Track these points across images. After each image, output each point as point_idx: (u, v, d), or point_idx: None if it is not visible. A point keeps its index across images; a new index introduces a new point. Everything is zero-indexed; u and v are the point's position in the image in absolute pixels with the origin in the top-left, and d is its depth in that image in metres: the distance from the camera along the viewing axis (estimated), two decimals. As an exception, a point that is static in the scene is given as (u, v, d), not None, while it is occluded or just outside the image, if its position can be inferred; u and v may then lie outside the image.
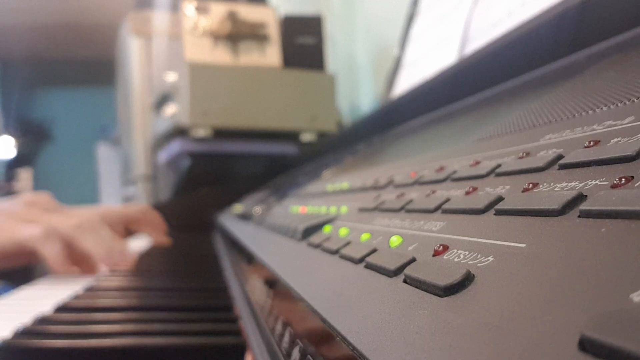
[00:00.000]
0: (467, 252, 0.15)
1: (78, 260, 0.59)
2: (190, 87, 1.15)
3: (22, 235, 0.55)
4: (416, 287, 0.15)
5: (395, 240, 0.20)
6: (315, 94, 1.26)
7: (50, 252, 0.55)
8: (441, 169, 0.27)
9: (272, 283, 0.29)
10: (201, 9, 1.23)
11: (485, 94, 0.45)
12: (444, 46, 0.68)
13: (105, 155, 4.15)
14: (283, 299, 0.25)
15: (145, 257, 0.74)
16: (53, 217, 0.60)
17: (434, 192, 0.24)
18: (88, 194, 4.18)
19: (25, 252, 0.56)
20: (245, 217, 0.69)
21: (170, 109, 1.32)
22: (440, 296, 0.13)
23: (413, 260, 0.17)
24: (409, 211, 0.23)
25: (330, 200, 0.41)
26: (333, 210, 0.35)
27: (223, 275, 0.54)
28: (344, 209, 0.33)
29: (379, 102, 1.00)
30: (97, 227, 0.60)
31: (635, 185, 0.12)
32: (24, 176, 4.30)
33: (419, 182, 0.27)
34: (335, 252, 0.24)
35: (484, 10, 0.59)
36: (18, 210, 0.60)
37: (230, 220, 0.84)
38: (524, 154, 0.20)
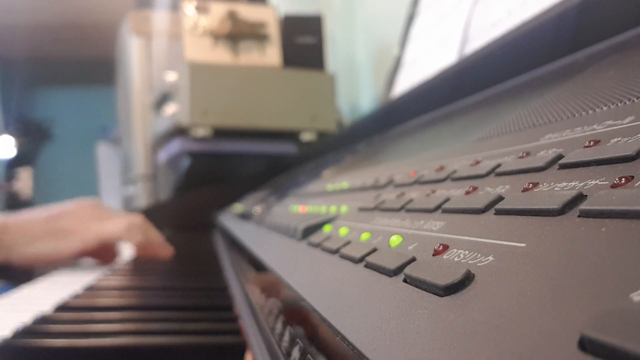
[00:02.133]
0: (467, 252, 0.15)
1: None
2: (190, 86, 1.15)
3: (108, 231, 0.66)
4: (416, 286, 0.15)
5: (395, 240, 0.20)
6: (315, 94, 1.26)
7: (137, 241, 0.68)
8: (441, 168, 0.27)
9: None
10: (201, 9, 1.23)
11: (485, 94, 0.45)
12: (444, 46, 0.68)
13: (105, 155, 4.14)
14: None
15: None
16: (125, 216, 0.72)
17: (434, 191, 0.24)
18: (88, 193, 4.16)
19: (105, 247, 0.68)
20: (245, 216, 0.69)
21: (170, 109, 1.32)
22: (440, 296, 0.13)
23: (413, 259, 0.17)
24: (409, 211, 0.23)
25: (330, 199, 0.41)
26: (333, 209, 0.35)
27: (223, 275, 0.54)
28: (344, 208, 0.33)
29: (379, 101, 1.00)
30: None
31: (635, 185, 0.12)
32: (24, 176, 4.30)
33: (419, 182, 0.27)
34: (335, 252, 0.24)
35: (484, 10, 0.59)
36: (89, 210, 0.70)
37: (230, 219, 0.84)
38: (524, 154, 0.20)
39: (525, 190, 0.16)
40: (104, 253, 0.70)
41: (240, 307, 0.37)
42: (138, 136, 1.96)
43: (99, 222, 0.67)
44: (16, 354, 0.29)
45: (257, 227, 0.53)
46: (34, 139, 4.53)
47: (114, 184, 3.52)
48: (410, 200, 0.24)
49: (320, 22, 1.32)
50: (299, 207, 0.45)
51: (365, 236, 0.23)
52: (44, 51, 4.22)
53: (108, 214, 0.71)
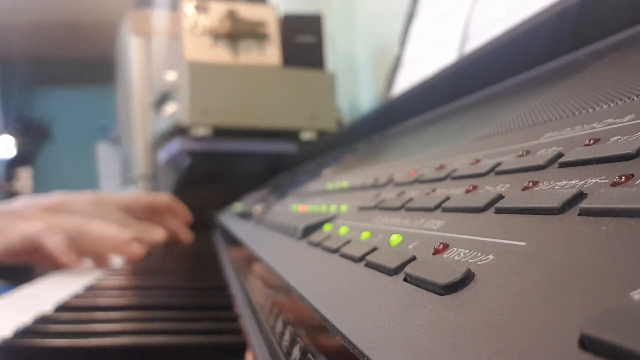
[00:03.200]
0: (467, 251, 0.15)
1: (87, 252, 0.61)
2: (190, 86, 1.15)
3: (27, 231, 0.58)
4: (416, 285, 0.15)
5: (395, 239, 0.20)
6: (315, 93, 1.26)
7: (53, 244, 0.58)
8: (441, 167, 0.27)
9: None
10: (201, 8, 1.23)
11: (485, 92, 0.45)
12: (443, 44, 0.67)
13: (105, 155, 4.14)
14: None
15: (146, 256, 0.74)
16: (58, 215, 0.63)
17: (434, 190, 0.24)
18: (88, 193, 4.17)
19: (31, 249, 0.59)
20: (245, 215, 0.69)
21: (170, 108, 1.32)
22: (441, 294, 0.13)
23: (413, 258, 0.17)
24: (409, 209, 0.23)
25: (330, 198, 0.41)
26: (333, 208, 0.35)
27: (223, 274, 0.54)
28: (344, 207, 0.33)
29: (379, 100, 1.00)
30: (105, 213, 0.64)
31: (636, 183, 0.12)
32: (24, 175, 4.30)
33: (419, 181, 0.27)
34: (335, 251, 0.24)
35: (483, 9, 0.59)
36: (20, 210, 0.62)
37: (230, 219, 0.84)
38: (524, 152, 0.20)
39: (525, 188, 0.16)
40: (40, 256, 0.61)
41: (241, 306, 0.37)
42: (138, 136, 1.95)
43: (27, 220, 0.60)
44: (17, 354, 0.29)
45: (257, 226, 0.53)
46: (33, 139, 4.53)
47: (114, 184, 3.52)
48: (411, 199, 0.24)
49: (320, 21, 1.32)
50: (299, 206, 0.45)
51: (365, 235, 0.23)
52: (44, 51, 4.21)
53: (44, 212, 0.62)
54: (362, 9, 1.48)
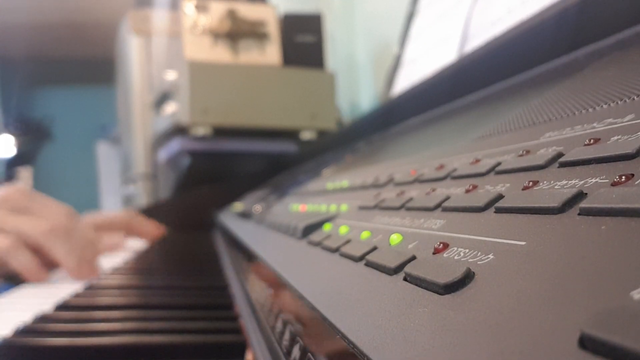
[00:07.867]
0: (467, 250, 0.15)
1: (54, 265, 0.56)
2: (190, 85, 1.15)
3: None
4: (416, 285, 0.15)
5: (395, 238, 0.20)
6: (315, 92, 1.26)
7: (22, 264, 0.52)
8: (441, 167, 0.27)
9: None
10: (201, 7, 1.23)
11: (485, 92, 0.45)
12: (443, 44, 0.67)
13: (105, 154, 4.15)
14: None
15: (146, 256, 0.75)
16: (21, 220, 0.55)
17: (434, 190, 0.24)
18: (88, 192, 4.19)
19: None
20: (245, 215, 0.69)
21: (170, 108, 1.32)
22: (441, 294, 0.13)
23: (413, 258, 0.17)
24: (409, 209, 0.23)
25: (330, 198, 0.41)
26: (333, 208, 0.35)
27: (223, 274, 0.54)
28: (344, 207, 0.33)
29: (379, 100, 1.00)
30: (70, 231, 0.55)
31: (636, 183, 0.12)
32: (24, 175, 4.30)
33: (419, 180, 0.27)
34: (335, 250, 0.24)
35: (483, 8, 0.59)
36: None
37: (230, 218, 0.84)
38: (524, 152, 0.20)
39: (525, 188, 0.16)
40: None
41: (241, 305, 0.37)
42: (138, 135, 1.96)
43: None
44: (17, 353, 0.29)
45: (257, 225, 0.53)
46: (33, 138, 4.53)
47: (114, 184, 3.53)
48: (410, 199, 0.24)
49: (320, 21, 1.32)
50: (299, 206, 0.45)
51: (365, 235, 0.23)
52: (44, 51, 4.21)
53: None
54: (362, 8, 1.48)
